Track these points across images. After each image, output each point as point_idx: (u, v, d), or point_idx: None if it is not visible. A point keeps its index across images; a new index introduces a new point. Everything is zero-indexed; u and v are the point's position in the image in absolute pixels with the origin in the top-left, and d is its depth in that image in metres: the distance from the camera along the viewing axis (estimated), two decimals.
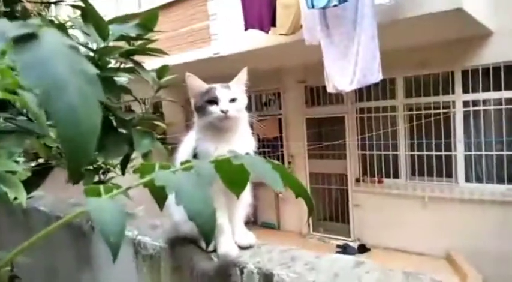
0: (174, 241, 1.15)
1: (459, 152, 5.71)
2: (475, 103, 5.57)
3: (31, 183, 1.25)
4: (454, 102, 5.70)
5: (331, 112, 6.89)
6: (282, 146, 7.61)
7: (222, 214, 1.03)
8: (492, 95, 5.41)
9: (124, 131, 1.37)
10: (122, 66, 1.38)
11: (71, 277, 1.74)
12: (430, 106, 5.87)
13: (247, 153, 0.54)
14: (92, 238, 1.51)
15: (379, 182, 6.45)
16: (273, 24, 4.97)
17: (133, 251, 1.29)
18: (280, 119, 7.66)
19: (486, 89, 5.44)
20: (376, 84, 4.69)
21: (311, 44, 4.59)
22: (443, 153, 5.83)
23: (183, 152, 1.11)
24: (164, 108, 8.66)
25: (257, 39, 5.26)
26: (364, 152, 6.64)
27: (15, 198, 1.00)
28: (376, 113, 6.42)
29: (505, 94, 5.30)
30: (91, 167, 1.67)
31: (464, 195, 5.58)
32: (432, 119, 5.80)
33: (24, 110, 1.11)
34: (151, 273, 1.23)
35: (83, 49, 1.33)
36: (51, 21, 1.41)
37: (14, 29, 0.31)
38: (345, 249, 6.39)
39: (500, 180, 5.45)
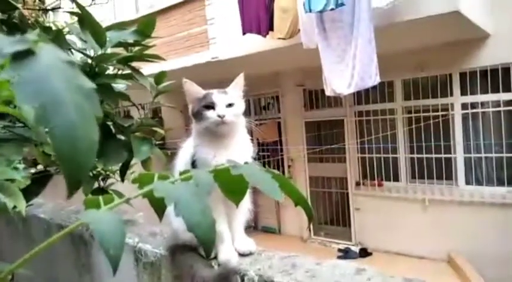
0: (174, 249, 1.14)
1: (459, 155, 5.71)
2: (473, 105, 5.58)
3: (30, 192, 1.25)
4: (452, 104, 5.71)
5: (330, 115, 6.90)
6: (281, 150, 7.61)
7: (221, 221, 1.03)
8: (490, 97, 5.42)
9: (123, 138, 1.37)
10: (119, 72, 1.38)
11: None
12: (428, 109, 5.88)
13: (246, 162, 0.54)
14: (92, 246, 1.50)
15: (379, 185, 6.45)
16: (271, 28, 4.98)
17: (134, 258, 1.28)
18: (279, 123, 7.66)
19: (484, 91, 5.45)
20: (374, 87, 4.70)
21: (309, 48, 4.60)
22: (442, 155, 5.83)
23: (182, 158, 1.11)
24: (163, 113, 8.67)
25: (255, 44, 5.27)
26: (363, 155, 6.64)
27: (15, 207, 1.00)
28: (375, 116, 6.42)
29: (503, 96, 5.31)
30: (91, 174, 1.67)
31: (465, 198, 5.58)
32: (431, 121, 5.81)
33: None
34: (152, 280, 1.23)
35: (80, 55, 1.33)
36: (49, 28, 1.41)
37: (10, 45, 0.30)
38: (346, 253, 6.37)
39: (500, 183, 5.45)
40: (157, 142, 1.46)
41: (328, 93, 4.65)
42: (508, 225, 5.17)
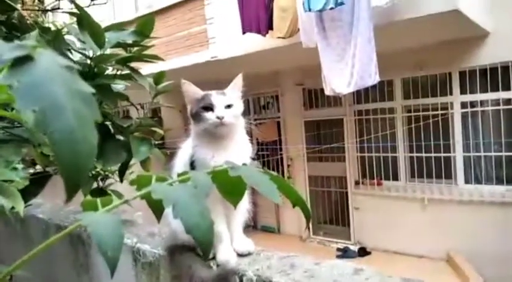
0: (173, 249, 1.14)
1: (458, 153, 5.72)
2: (472, 104, 5.59)
3: (29, 192, 1.25)
4: (451, 103, 5.71)
5: (330, 114, 6.90)
6: (281, 149, 7.61)
7: (220, 221, 1.03)
8: (490, 95, 5.42)
9: (122, 138, 1.37)
10: (118, 72, 1.38)
11: None
12: (428, 107, 5.88)
13: (244, 164, 0.54)
14: (91, 246, 1.50)
15: (379, 184, 6.45)
16: (270, 27, 4.98)
17: (133, 258, 1.28)
18: (278, 122, 7.66)
19: (484, 90, 5.46)
20: (374, 86, 4.70)
21: (308, 47, 4.60)
22: (442, 154, 5.84)
23: (181, 159, 1.11)
24: (163, 113, 8.66)
25: (254, 43, 5.28)
26: (363, 154, 6.65)
27: (13, 208, 1.00)
28: (374, 115, 6.43)
29: (503, 95, 5.31)
30: (89, 174, 1.67)
31: (464, 197, 5.58)
32: (430, 120, 5.81)
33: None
34: (150, 280, 1.23)
35: (79, 56, 1.33)
36: (48, 29, 1.40)
37: (9, 51, 0.31)
38: (345, 253, 6.38)
39: (499, 181, 5.45)
40: (156, 142, 1.46)
41: (327, 92, 4.65)
42: (507, 224, 5.18)
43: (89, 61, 1.27)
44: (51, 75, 0.31)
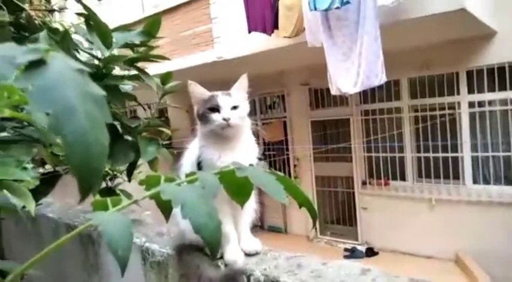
0: (181, 248, 1.15)
1: (466, 154, 5.67)
2: (480, 104, 5.54)
3: (40, 192, 1.27)
4: (459, 103, 5.66)
5: (336, 114, 6.88)
6: (287, 149, 7.60)
7: (227, 221, 1.03)
8: (497, 95, 5.37)
9: (130, 138, 1.38)
10: (126, 73, 1.39)
11: None
12: (435, 107, 5.84)
13: (251, 164, 0.55)
14: (100, 245, 1.52)
15: (386, 184, 6.42)
16: (276, 26, 4.98)
17: (141, 257, 1.30)
18: (285, 122, 7.66)
19: (491, 89, 5.40)
20: (380, 86, 4.68)
21: (314, 46, 4.59)
22: (449, 154, 5.79)
23: (188, 159, 1.12)
24: (170, 113, 8.70)
25: (260, 43, 5.28)
26: (370, 154, 6.62)
27: (24, 207, 1.02)
28: (381, 114, 6.40)
29: (511, 94, 5.26)
30: None
31: (472, 197, 5.54)
32: (438, 120, 5.77)
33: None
34: (159, 279, 1.24)
35: (87, 55, 1.34)
36: (56, 29, 1.42)
37: (23, 55, 0.31)
38: (352, 253, 6.36)
39: (508, 182, 5.40)
40: (164, 142, 1.47)
41: (333, 92, 4.63)
42: None
43: (97, 62, 1.29)
44: (63, 79, 0.32)
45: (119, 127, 1.38)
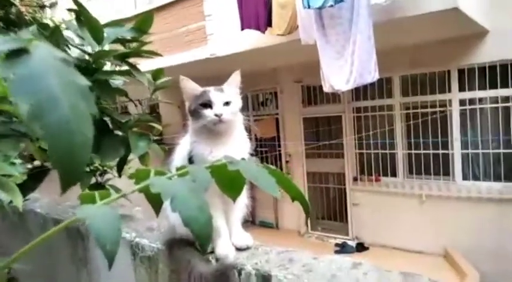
0: (172, 243, 1.14)
1: (456, 150, 5.73)
2: (471, 101, 5.59)
3: (27, 187, 1.25)
4: (450, 100, 5.71)
5: (328, 111, 6.90)
6: (279, 146, 7.62)
7: (218, 216, 1.03)
8: (488, 93, 5.43)
9: (120, 133, 1.37)
10: (117, 68, 1.38)
11: (68, 278, 1.74)
12: (426, 105, 5.89)
13: (243, 158, 0.54)
14: (89, 240, 1.50)
15: (377, 180, 6.47)
16: (269, 24, 4.97)
17: (131, 252, 1.29)
18: (277, 119, 7.66)
19: (482, 87, 5.46)
20: (372, 84, 4.70)
21: (307, 44, 4.59)
22: (440, 151, 5.85)
23: (179, 154, 1.11)
24: (161, 109, 8.64)
25: (253, 40, 5.26)
26: (361, 151, 6.66)
27: (11, 202, 1.00)
28: (373, 112, 6.43)
29: (501, 92, 5.32)
30: (88, 169, 1.67)
31: (462, 193, 5.60)
32: (429, 117, 5.82)
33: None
34: (149, 274, 1.23)
35: (77, 51, 1.32)
36: (46, 25, 1.40)
37: (4, 43, 0.30)
38: (343, 248, 6.40)
39: (497, 178, 5.47)
40: (155, 138, 1.46)
41: (326, 89, 4.64)
42: (504, 220, 5.21)
43: (87, 57, 1.27)
44: (46, 68, 0.31)
45: (109, 122, 1.37)
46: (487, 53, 5.26)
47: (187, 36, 6.41)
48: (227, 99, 1.05)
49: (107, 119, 1.36)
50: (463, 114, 5.66)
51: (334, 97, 6.59)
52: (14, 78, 0.30)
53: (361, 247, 6.36)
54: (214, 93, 1.05)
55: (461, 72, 5.59)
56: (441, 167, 5.87)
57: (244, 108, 1.12)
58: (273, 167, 0.54)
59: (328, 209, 7.35)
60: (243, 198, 1.12)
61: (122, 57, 1.30)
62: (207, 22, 6.15)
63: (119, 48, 1.36)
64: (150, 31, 1.33)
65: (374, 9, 4.12)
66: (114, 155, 1.31)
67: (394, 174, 6.35)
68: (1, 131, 1.04)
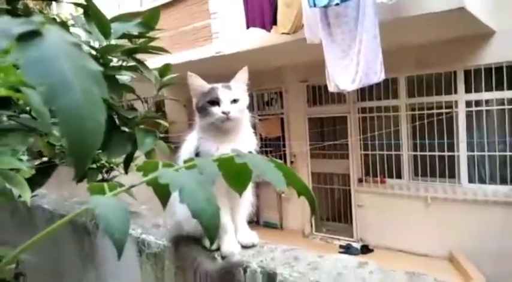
0: (178, 240, 1.15)
1: (462, 153, 5.69)
2: (477, 103, 5.55)
3: (35, 182, 1.26)
4: (456, 102, 5.68)
5: (333, 112, 6.88)
6: (284, 146, 7.60)
7: (224, 213, 1.03)
8: (495, 94, 5.39)
9: (127, 130, 1.37)
10: (124, 64, 1.38)
11: (75, 274, 1.74)
12: (432, 106, 5.85)
13: (249, 152, 0.54)
14: (96, 236, 1.51)
15: (382, 182, 6.44)
16: (275, 22, 4.96)
17: (137, 249, 1.29)
18: (282, 119, 7.65)
19: (489, 88, 5.42)
20: (378, 84, 4.68)
21: (312, 43, 4.58)
22: (446, 153, 5.81)
23: (186, 150, 1.11)
24: (166, 107, 8.67)
25: (258, 38, 5.26)
26: (366, 152, 6.63)
27: (20, 196, 1.01)
28: (378, 112, 6.40)
29: (508, 94, 5.27)
30: (94, 166, 1.68)
31: (467, 196, 5.56)
32: (435, 119, 5.78)
33: (28, 108, 1.12)
34: (155, 271, 1.23)
35: (85, 47, 1.33)
36: (53, 20, 1.41)
37: (17, 26, 0.31)
38: (347, 250, 6.38)
39: (503, 181, 5.42)
40: (161, 135, 1.46)
41: (331, 89, 4.62)
42: (510, 223, 5.16)
43: (94, 52, 1.28)
44: (59, 51, 0.31)
45: (115, 118, 1.37)
46: (494, 54, 5.22)
47: (194, 35, 6.42)
48: (235, 96, 1.04)
49: (113, 115, 1.36)
50: (469, 115, 5.62)
51: (340, 97, 6.57)
52: (25, 61, 0.30)
53: (365, 249, 6.34)
54: (222, 91, 1.04)
55: (467, 73, 5.55)
56: (447, 169, 5.83)
57: (249, 108, 1.12)
58: (279, 161, 0.54)
59: (333, 210, 7.32)
60: (249, 196, 1.12)
61: (129, 53, 1.31)
62: (212, 20, 6.16)
63: (126, 44, 1.36)
64: (156, 28, 1.33)
65: (379, 8, 4.10)
66: (120, 152, 1.31)
67: (399, 176, 6.32)
68: (9, 125, 1.05)
